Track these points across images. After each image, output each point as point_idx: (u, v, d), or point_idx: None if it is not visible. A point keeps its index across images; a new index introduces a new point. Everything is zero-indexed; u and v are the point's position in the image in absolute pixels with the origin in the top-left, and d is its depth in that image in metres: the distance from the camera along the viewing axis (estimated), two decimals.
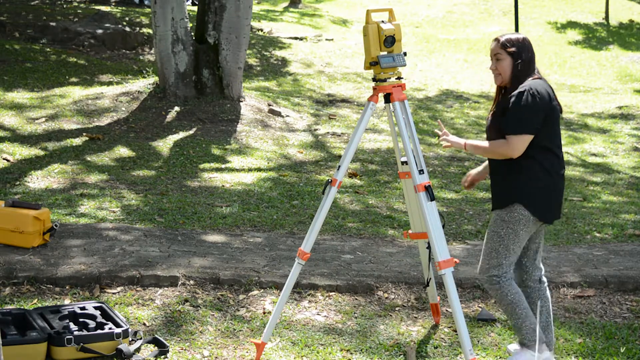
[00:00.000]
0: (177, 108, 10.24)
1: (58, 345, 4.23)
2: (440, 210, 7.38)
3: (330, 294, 5.34)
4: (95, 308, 4.66)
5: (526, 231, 4.14)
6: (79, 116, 10.02)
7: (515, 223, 4.10)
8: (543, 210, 4.13)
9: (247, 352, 4.49)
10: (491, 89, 13.63)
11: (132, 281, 5.27)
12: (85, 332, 4.35)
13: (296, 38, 17.08)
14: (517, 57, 4.11)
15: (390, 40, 4.21)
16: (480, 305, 5.31)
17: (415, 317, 5.11)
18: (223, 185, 7.83)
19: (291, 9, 22.29)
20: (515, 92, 4.05)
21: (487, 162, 4.43)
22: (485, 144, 4.17)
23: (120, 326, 4.41)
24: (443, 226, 4.20)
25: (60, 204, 6.87)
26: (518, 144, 4.02)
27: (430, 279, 4.80)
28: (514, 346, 4.47)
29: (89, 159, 8.41)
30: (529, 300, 4.35)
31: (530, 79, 4.10)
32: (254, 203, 7.30)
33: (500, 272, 4.16)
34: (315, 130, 10.36)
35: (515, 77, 4.11)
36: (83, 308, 4.64)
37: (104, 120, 9.93)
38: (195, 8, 14.04)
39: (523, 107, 4.01)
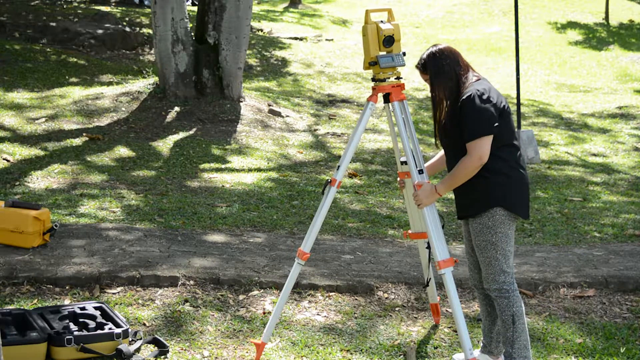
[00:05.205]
0: (177, 108, 10.24)
1: (58, 345, 4.23)
2: (440, 210, 7.38)
3: (330, 294, 5.34)
4: (95, 308, 4.66)
5: (512, 229, 4.11)
6: (79, 116, 10.02)
7: (501, 225, 4.05)
8: (521, 206, 4.09)
9: (247, 352, 4.49)
10: None
11: (132, 281, 5.27)
12: (85, 333, 4.35)
13: (296, 38, 17.07)
14: (437, 72, 4.06)
15: (389, 40, 4.21)
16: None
17: (415, 317, 5.10)
18: (223, 186, 7.84)
19: (291, 9, 22.28)
20: (462, 98, 3.99)
21: (441, 155, 4.37)
22: (454, 172, 4.02)
23: (120, 326, 4.41)
24: (443, 226, 4.20)
25: (60, 204, 6.87)
26: (480, 149, 3.93)
27: (430, 279, 4.79)
28: (459, 356, 4.46)
29: (89, 159, 8.41)
30: (489, 302, 4.34)
31: (469, 82, 4.04)
32: (254, 203, 7.30)
33: (508, 280, 4.11)
34: (315, 130, 10.36)
35: (449, 89, 4.05)
36: (83, 308, 4.64)
37: (104, 121, 9.93)
38: (195, 8, 14.04)
39: (475, 110, 3.94)
